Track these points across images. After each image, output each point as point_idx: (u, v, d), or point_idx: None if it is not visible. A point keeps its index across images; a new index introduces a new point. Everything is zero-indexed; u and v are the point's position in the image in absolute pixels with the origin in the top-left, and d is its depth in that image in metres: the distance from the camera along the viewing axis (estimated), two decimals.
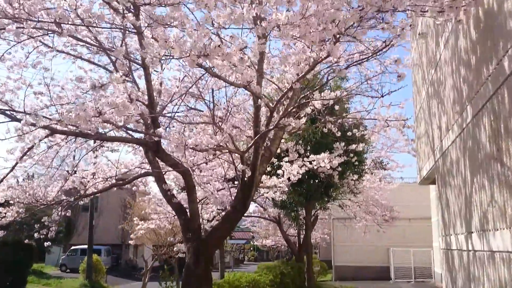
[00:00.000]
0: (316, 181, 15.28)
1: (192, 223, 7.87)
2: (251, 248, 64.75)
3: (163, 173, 8.86)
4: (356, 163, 14.24)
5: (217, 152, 8.15)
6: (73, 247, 37.29)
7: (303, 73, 6.62)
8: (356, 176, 14.93)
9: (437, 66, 6.75)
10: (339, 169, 12.80)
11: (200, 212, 11.36)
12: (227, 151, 6.97)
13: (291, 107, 8.16)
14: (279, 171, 12.26)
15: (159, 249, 17.44)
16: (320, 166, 12.02)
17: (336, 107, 9.59)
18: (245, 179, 7.48)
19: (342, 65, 6.26)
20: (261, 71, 6.84)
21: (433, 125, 7.59)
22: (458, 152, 5.49)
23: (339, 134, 11.13)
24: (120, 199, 34.95)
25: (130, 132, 7.70)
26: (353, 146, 12.63)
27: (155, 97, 8.16)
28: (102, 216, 39.33)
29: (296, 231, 22.34)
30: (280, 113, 7.57)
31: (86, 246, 28.30)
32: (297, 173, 11.92)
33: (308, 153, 12.52)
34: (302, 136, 13.51)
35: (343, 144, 12.19)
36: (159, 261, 44.74)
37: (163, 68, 8.87)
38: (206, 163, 8.84)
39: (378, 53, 5.73)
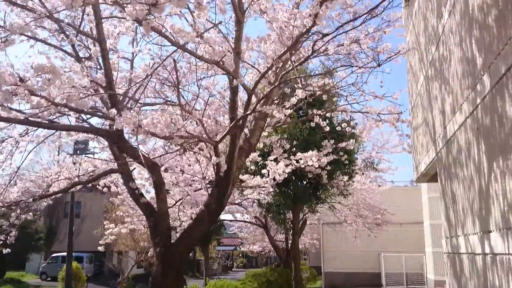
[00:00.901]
0: (304, 182, 14.36)
1: (160, 226, 6.88)
2: (240, 255, 63.49)
3: (131, 170, 7.88)
4: (346, 162, 13.33)
5: (190, 143, 7.18)
6: (54, 254, 35.92)
7: (285, 49, 5.70)
8: (346, 177, 14.01)
9: (440, 41, 5.87)
10: (328, 168, 11.92)
11: (177, 215, 10.39)
12: (197, 139, 6.00)
13: (274, 93, 7.27)
14: (264, 171, 11.37)
15: (138, 256, 16.43)
16: (308, 165, 11.20)
17: (324, 97, 8.65)
18: (221, 173, 6.51)
19: (327, 35, 5.34)
20: (238, 49, 5.89)
21: (434, 111, 6.69)
22: (469, 135, 4.59)
23: (327, 129, 10.26)
24: (104, 205, 33.76)
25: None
26: (343, 144, 11.78)
27: (119, 83, 7.20)
28: (85, 222, 38.05)
29: (284, 236, 21.35)
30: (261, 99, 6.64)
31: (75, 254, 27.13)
32: (283, 172, 11.05)
33: (295, 151, 11.66)
34: (288, 132, 12.59)
35: (332, 141, 11.33)
36: (144, 269, 43.57)
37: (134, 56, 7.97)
38: (180, 155, 7.85)
39: (370, 13, 4.83)
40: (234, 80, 5.64)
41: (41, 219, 38.96)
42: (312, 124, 10.15)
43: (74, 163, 9.65)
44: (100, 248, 11.46)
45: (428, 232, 22.52)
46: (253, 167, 12.12)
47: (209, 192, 6.89)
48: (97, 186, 10.39)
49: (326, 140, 11.42)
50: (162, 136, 5.30)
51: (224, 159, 6.43)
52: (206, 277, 23.39)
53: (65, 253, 30.57)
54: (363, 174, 15.86)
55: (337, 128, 11.31)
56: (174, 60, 5.67)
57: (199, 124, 5.96)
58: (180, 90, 6.12)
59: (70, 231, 26.08)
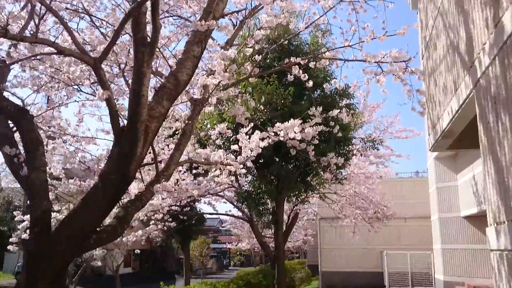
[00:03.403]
0: (290, 165, 11.81)
1: (33, 208, 4.36)
2: (237, 253, 61.05)
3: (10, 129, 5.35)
4: (341, 138, 10.78)
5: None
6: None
7: None
8: (341, 159, 11.42)
9: None
10: (315, 142, 9.39)
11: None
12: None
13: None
14: (234, 146, 8.89)
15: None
16: (290, 139, 8.73)
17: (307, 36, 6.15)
18: (118, 121, 3.99)
19: None
20: None
21: (468, 26, 4.14)
22: None
23: (310, 84, 7.72)
24: None
25: None
26: (335, 112, 9.27)
27: None
28: None
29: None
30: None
31: None
32: (257, 146, 8.57)
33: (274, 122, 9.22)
34: (268, 101, 10.04)
35: (320, 108, 8.88)
36: (133, 268, 41.14)
37: None
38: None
39: None
40: None
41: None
42: (290, 78, 7.63)
43: None
44: None
45: (437, 227, 20.05)
46: (218, 141, 9.61)
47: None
48: None
49: (313, 108, 8.97)
50: None
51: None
52: (186, 278, 20.92)
53: None
54: (361, 155, 13.27)
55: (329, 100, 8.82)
56: None
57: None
58: None
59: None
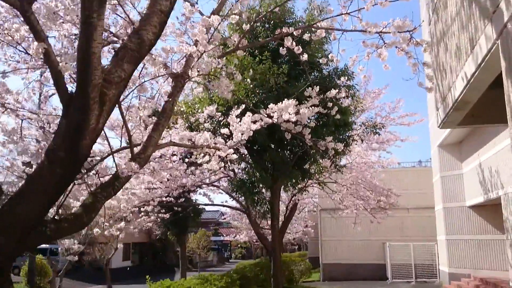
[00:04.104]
0: (286, 151, 11.10)
1: None
2: (238, 245, 60.56)
3: None
4: (340, 122, 10.07)
5: None
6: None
7: None
8: (340, 145, 10.71)
9: None
10: (312, 124, 8.69)
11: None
12: None
13: None
14: (224, 130, 8.23)
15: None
16: (284, 121, 8.09)
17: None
18: (63, 85, 3.29)
19: None
20: None
21: None
22: None
23: (305, 57, 7.01)
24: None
25: None
26: (333, 92, 8.58)
27: None
28: (63, 210, 34.93)
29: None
30: None
31: (44, 246, 24.18)
32: (249, 129, 7.88)
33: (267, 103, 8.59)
34: (260, 81, 9.31)
35: (317, 88, 8.19)
36: (132, 261, 40.61)
37: None
38: None
39: None
40: None
41: None
42: (283, 51, 6.91)
43: None
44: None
45: (441, 218, 19.40)
46: (207, 125, 8.92)
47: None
48: None
49: (310, 88, 8.28)
50: None
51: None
52: (183, 271, 20.30)
53: (42, 245, 27.70)
54: (362, 141, 12.53)
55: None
56: None
57: None
58: None
59: None
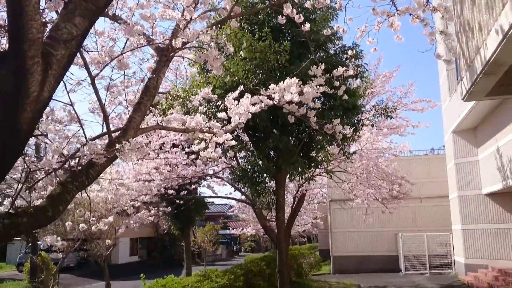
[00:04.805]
0: (290, 138, 10.34)
1: None
2: (247, 239, 60.04)
3: None
4: (348, 104, 9.28)
5: None
6: (31, 244, 32.56)
7: None
8: (349, 129, 9.88)
9: None
10: (317, 106, 7.92)
11: None
12: None
13: None
14: (221, 114, 7.47)
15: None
16: (287, 103, 7.40)
17: None
18: None
19: None
20: None
21: None
22: None
23: (307, 26, 6.26)
24: None
25: None
26: (340, 71, 7.78)
27: None
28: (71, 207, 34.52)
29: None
30: None
31: None
32: (246, 111, 7.12)
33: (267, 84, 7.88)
34: (260, 59, 8.53)
35: (323, 65, 7.46)
36: (139, 256, 40.13)
37: None
38: None
39: None
40: None
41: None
42: (282, 20, 6.14)
43: None
44: None
45: (456, 207, 18.58)
46: (202, 108, 8.18)
47: None
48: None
49: (315, 66, 7.54)
50: None
51: None
52: (187, 266, 19.67)
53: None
54: (373, 126, 11.71)
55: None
56: None
57: None
58: None
59: None
